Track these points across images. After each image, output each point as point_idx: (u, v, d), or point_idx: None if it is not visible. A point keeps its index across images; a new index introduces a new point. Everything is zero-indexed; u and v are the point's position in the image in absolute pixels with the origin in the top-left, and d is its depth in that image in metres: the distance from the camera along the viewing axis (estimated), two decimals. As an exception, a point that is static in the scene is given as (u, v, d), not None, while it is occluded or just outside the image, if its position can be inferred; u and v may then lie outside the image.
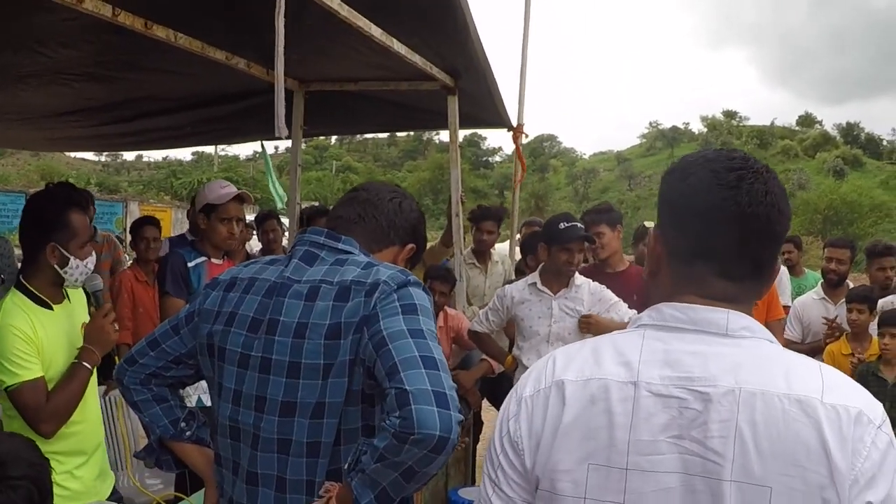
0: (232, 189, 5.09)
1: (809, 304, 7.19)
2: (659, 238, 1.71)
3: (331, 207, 2.72)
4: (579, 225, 5.30)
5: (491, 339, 5.94)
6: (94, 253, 3.64)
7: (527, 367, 5.39)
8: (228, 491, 2.48)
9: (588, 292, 5.38)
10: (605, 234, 6.04)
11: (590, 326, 5.22)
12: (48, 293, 3.55)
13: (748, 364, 1.53)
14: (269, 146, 11.00)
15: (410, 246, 2.67)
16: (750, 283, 1.64)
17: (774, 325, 6.08)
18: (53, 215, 3.53)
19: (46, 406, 3.37)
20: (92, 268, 3.63)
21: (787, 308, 7.26)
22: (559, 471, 1.57)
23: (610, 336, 1.71)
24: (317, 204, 9.23)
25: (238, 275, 2.54)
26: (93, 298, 3.75)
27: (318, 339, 2.29)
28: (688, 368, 1.54)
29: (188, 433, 2.69)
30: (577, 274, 5.44)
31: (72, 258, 3.50)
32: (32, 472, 2.17)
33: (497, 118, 7.42)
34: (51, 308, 3.55)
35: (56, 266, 3.49)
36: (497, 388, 6.64)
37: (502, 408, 1.72)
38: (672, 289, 1.66)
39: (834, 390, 1.50)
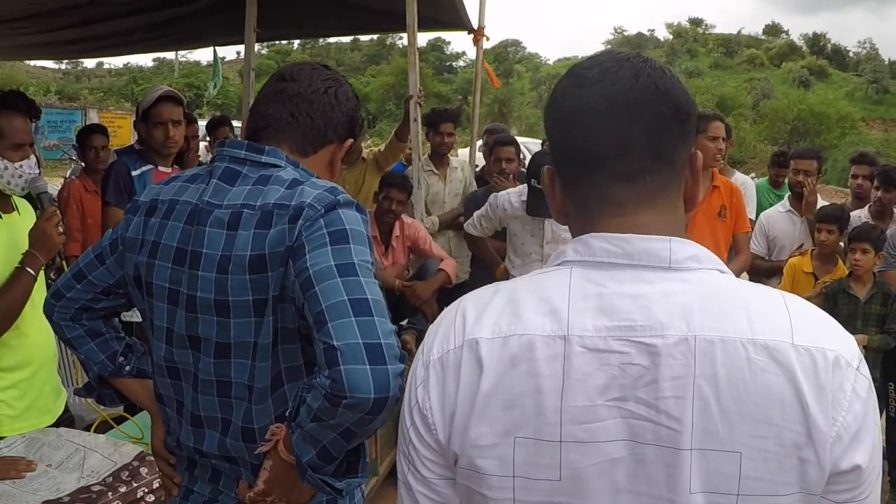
0: (163, 90, 4.89)
1: (776, 217, 6.99)
2: (552, 172, 1.48)
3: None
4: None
5: (485, 244, 5.78)
6: (32, 157, 3.54)
7: None
8: (175, 430, 2.32)
9: None
10: None
11: None
12: None
13: (701, 304, 1.27)
14: (230, 52, 10.88)
15: (349, 141, 2.38)
16: (657, 181, 1.37)
17: (741, 237, 5.90)
18: None
19: None
20: (32, 171, 3.53)
21: (752, 222, 7.16)
22: (480, 446, 1.31)
23: (529, 278, 1.43)
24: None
25: (158, 196, 2.29)
26: (37, 201, 3.63)
27: (241, 274, 2.06)
28: (628, 315, 1.28)
29: (127, 368, 2.51)
30: None
31: None
32: None
33: (457, 20, 7.24)
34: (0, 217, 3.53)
35: None
36: (455, 298, 6.54)
37: (410, 372, 1.46)
38: (581, 218, 1.42)
39: (804, 328, 1.26)
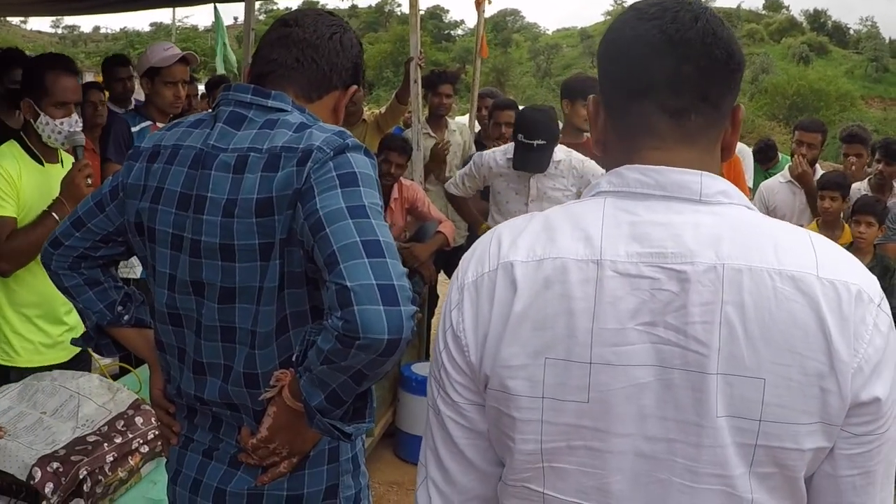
0: (175, 51, 4.92)
1: (775, 187, 6.87)
2: (598, 102, 1.52)
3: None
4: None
5: (467, 203, 5.80)
6: (74, 115, 3.74)
7: None
8: (176, 378, 2.30)
9: (569, 168, 5.14)
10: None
11: None
12: (40, 150, 3.78)
13: (730, 235, 1.31)
14: (228, 16, 10.84)
15: (353, 88, 2.35)
16: (700, 122, 1.40)
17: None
18: (32, 74, 3.78)
19: (5, 244, 3.59)
20: (73, 129, 3.73)
21: (750, 191, 7.11)
22: (511, 367, 1.36)
23: (564, 207, 1.48)
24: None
25: (161, 142, 2.25)
26: (73, 153, 3.80)
27: (248, 218, 2.03)
28: (659, 242, 1.32)
29: (126, 317, 2.48)
30: (560, 148, 5.20)
31: (42, 114, 3.68)
32: None
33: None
34: (42, 164, 3.79)
35: (31, 121, 3.71)
36: (452, 260, 6.56)
37: (445, 298, 1.50)
38: (624, 151, 1.44)
39: (829, 264, 1.30)
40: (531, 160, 5.07)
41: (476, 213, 5.83)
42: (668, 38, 1.37)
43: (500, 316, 1.38)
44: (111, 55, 6.82)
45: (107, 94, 5.97)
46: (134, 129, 4.80)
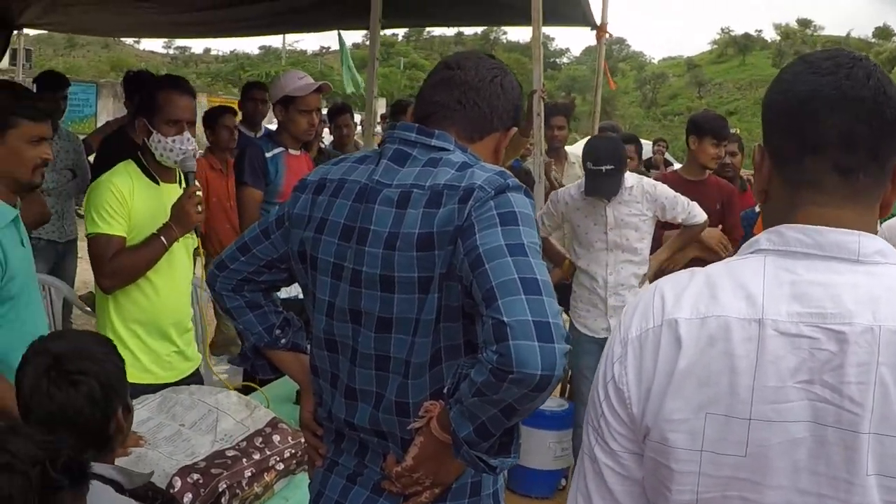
0: (310, 80, 5.03)
1: None
2: (764, 151, 1.53)
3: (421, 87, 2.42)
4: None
5: (550, 243, 5.81)
6: (186, 133, 3.75)
7: (587, 273, 5.40)
8: (328, 402, 2.36)
9: (642, 193, 5.18)
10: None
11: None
12: (155, 169, 3.80)
13: (886, 296, 1.33)
14: (335, 43, 11.17)
15: (513, 129, 2.41)
16: (867, 182, 1.43)
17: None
18: (145, 93, 3.90)
19: (109, 261, 3.63)
20: (187, 147, 3.76)
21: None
22: (673, 420, 1.39)
23: (723, 264, 1.51)
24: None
25: (327, 175, 2.33)
26: (184, 179, 3.86)
27: (409, 251, 2.08)
28: (819, 303, 1.34)
29: (283, 340, 2.56)
30: (630, 175, 5.29)
31: (154, 132, 3.70)
32: (94, 368, 2.19)
33: (581, 15, 7.21)
34: (157, 183, 3.81)
35: (145, 139, 3.74)
36: (564, 294, 6.59)
37: (605, 349, 1.54)
38: (787, 204, 1.47)
39: None
40: (602, 185, 5.14)
41: (559, 249, 5.88)
42: (842, 94, 1.40)
43: (664, 371, 1.41)
44: (253, 81, 6.98)
45: (238, 116, 6.12)
46: (267, 155, 4.91)
